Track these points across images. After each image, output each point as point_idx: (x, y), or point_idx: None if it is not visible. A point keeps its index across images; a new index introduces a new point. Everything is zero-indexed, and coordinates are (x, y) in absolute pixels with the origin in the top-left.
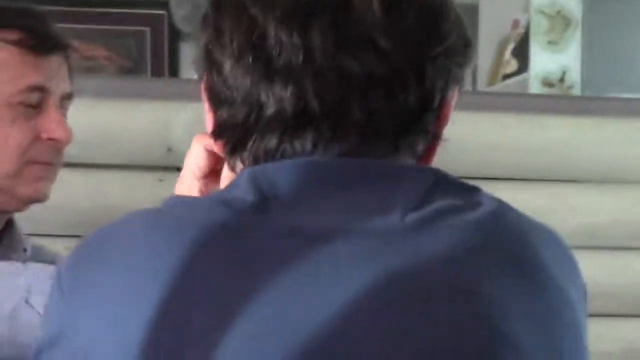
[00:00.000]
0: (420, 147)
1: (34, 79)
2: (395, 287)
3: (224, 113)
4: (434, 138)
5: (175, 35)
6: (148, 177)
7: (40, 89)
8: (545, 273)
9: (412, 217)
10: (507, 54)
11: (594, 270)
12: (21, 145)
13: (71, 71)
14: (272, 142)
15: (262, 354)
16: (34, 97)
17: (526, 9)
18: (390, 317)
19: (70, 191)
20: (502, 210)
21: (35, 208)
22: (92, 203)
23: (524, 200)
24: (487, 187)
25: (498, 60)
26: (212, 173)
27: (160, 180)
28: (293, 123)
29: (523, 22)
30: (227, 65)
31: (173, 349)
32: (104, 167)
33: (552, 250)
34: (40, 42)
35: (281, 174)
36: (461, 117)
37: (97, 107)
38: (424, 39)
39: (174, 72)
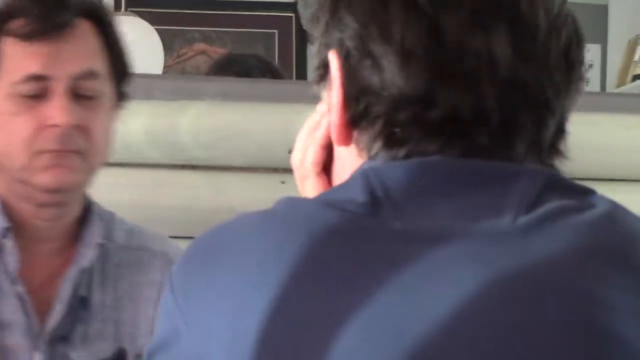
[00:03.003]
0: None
1: (30, 69)
2: (506, 290)
3: (367, 105)
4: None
5: (303, 38)
6: (270, 179)
7: (39, 78)
8: None
9: (524, 219)
10: (637, 54)
11: None
12: (25, 137)
13: (90, 45)
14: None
15: (375, 356)
16: (32, 87)
17: None
18: (501, 319)
19: (193, 192)
20: (616, 211)
21: (158, 209)
22: (215, 204)
23: None
24: (613, 189)
25: (628, 61)
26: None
27: (282, 182)
28: (420, 122)
29: None
30: (384, 60)
31: (286, 350)
32: (227, 168)
33: None
34: (34, 28)
35: (393, 175)
36: (588, 118)
37: (222, 110)
38: (573, 47)
39: (301, 74)
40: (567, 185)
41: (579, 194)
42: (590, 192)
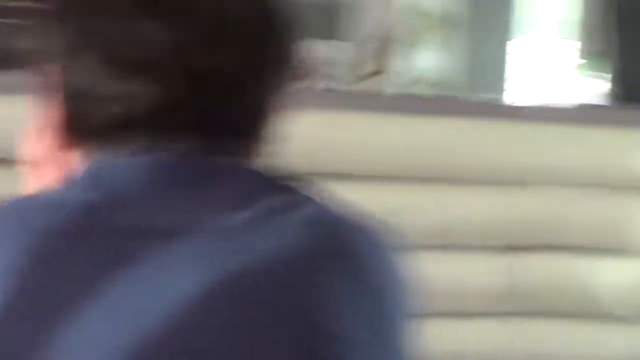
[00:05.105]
0: (261, 145)
1: None
2: (226, 287)
3: (78, 107)
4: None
5: None
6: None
7: None
8: (366, 269)
9: (239, 216)
10: (370, 53)
11: (450, 270)
12: None
13: None
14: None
15: (95, 353)
16: None
17: (389, 9)
18: (220, 317)
19: None
20: (325, 208)
21: None
22: None
23: (379, 198)
24: (344, 185)
25: (360, 60)
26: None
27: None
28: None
29: (386, 22)
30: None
31: (6, 349)
32: None
33: (373, 247)
34: None
35: (122, 172)
36: (322, 116)
37: None
38: (261, 47)
39: None
40: (280, 183)
41: (291, 190)
42: (302, 189)
